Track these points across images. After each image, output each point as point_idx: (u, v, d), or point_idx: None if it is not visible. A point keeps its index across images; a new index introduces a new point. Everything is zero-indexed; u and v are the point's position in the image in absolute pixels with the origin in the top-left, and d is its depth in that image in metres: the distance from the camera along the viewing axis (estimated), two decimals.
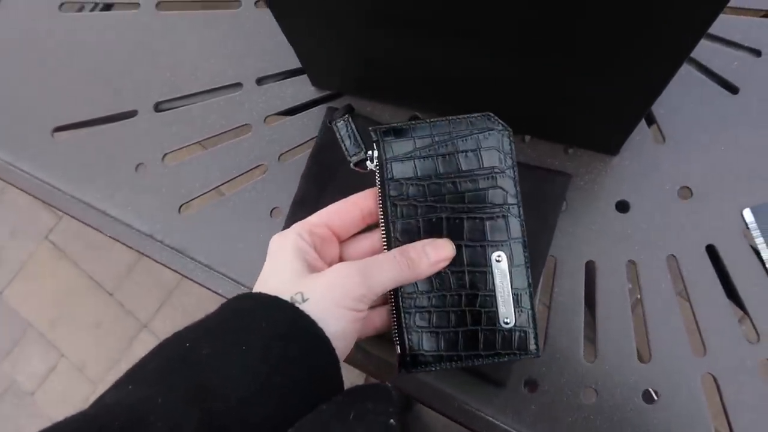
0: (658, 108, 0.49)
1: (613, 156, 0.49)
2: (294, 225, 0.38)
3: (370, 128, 0.39)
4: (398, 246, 0.37)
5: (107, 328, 1.42)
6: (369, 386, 0.35)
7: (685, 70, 0.49)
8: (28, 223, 1.51)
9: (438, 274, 0.37)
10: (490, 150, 0.38)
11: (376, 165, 0.39)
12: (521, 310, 0.37)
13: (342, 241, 0.40)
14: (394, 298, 0.38)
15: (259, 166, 0.54)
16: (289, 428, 0.30)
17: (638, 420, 0.43)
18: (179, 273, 0.52)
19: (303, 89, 0.55)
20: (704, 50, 0.50)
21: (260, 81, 0.57)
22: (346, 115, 0.43)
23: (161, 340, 0.32)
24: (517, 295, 0.37)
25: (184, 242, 0.53)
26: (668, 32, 0.32)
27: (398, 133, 0.38)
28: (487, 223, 0.38)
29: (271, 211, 0.52)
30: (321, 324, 0.33)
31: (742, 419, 0.42)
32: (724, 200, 0.46)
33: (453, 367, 0.38)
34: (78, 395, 1.40)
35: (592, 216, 0.48)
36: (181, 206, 0.54)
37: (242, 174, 0.54)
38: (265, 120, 0.55)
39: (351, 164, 0.41)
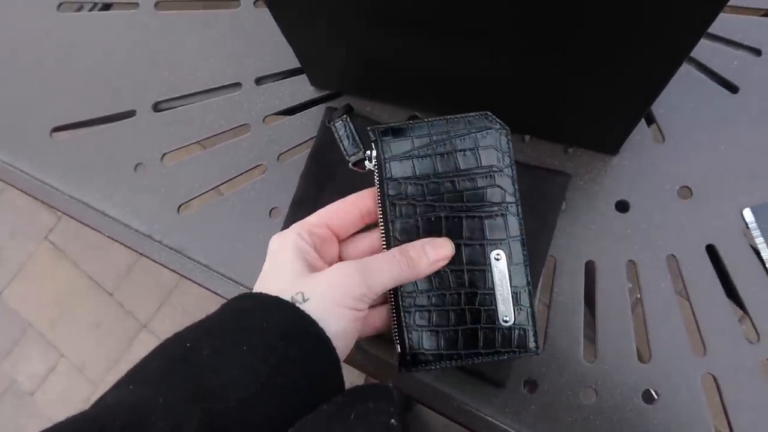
0: (658, 107, 0.49)
1: (613, 156, 0.49)
2: (294, 225, 0.38)
3: (368, 128, 0.39)
4: (397, 245, 0.37)
5: (107, 328, 1.42)
6: (370, 386, 0.35)
7: (685, 69, 0.49)
8: (27, 223, 1.51)
9: (437, 272, 0.37)
10: (488, 149, 0.38)
11: (375, 164, 0.39)
12: (520, 308, 0.37)
13: (341, 241, 0.40)
14: (394, 297, 0.38)
15: (258, 166, 0.54)
16: (290, 428, 0.30)
17: (638, 420, 0.43)
18: (178, 273, 0.52)
19: (302, 89, 0.55)
20: (704, 49, 0.49)
21: (259, 81, 0.57)
22: (345, 115, 0.43)
23: (161, 339, 0.32)
24: (517, 293, 0.37)
25: (182, 242, 0.53)
26: (668, 32, 0.32)
27: (396, 132, 0.38)
28: (486, 221, 0.38)
29: (270, 211, 0.52)
30: (322, 324, 0.33)
31: (742, 419, 0.42)
32: (724, 200, 0.46)
33: (453, 366, 0.38)
34: (78, 395, 1.40)
35: (591, 216, 0.48)
36: (180, 206, 0.54)
37: (241, 174, 0.54)
38: (264, 120, 0.55)
39: (349, 164, 0.41)
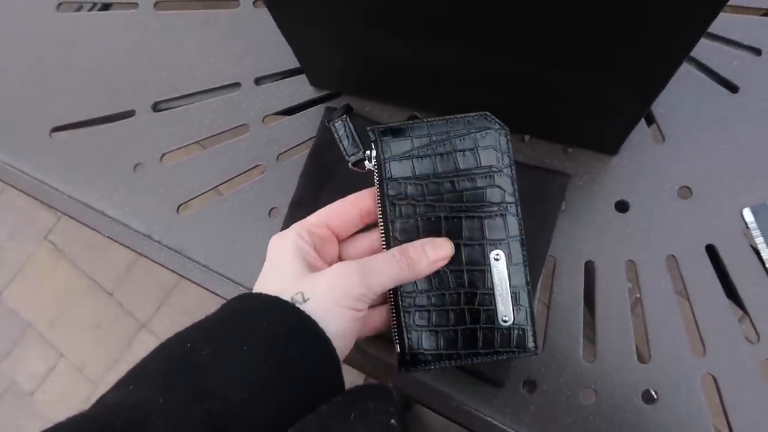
0: (658, 107, 0.49)
1: (613, 156, 0.49)
2: (293, 225, 0.38)
3: (368, 128, 0.39)
4: (397, 245, 0.37)
5: (106, 328, 1.42)
6: (370, 386, 0.35)
7: (685, 69, 0.49)
8: (27, 223, 1.51)
9: (437, 273, 0.37)
10: (488, 149, 0.38)
11: (375, 164, 0.39)
12: (519, 308, 0.37)
13: (341, 241, 0.40)
14: (394, 297, 0.38)
15: (257, 166, 0.54)
16: (290, 429, 0.30)
17: (637, 420, 0.43)
18: (177, 273, 0.52)
19: (301, 89, 0.55)
20: (704, 49, 0.49)
21: (258, 81, 0.57)
22: (344, 115, 0.43)
23: (160, 339, 0.32)
24: (516, 293, 0.37)
25: (182, 242, 0.53)
26: (668, 31, 0.32)
27: (396, 132, 0.38)
28: (486, 221, 0.38)
29: (270, 212, 0.52)
30: (322, 324, 0.33)
31: (741, 419, 0.42)
32: (723, 200, 0.46)
33: (452, 365, 0.38)
34: (77, 395, 1.40)
35: (591, 216, 0.48)
36: (179, 206, 0.54)
37: (240, 174, 0.54)
38: (263, 120, 0.55)
39: (349, 164, 0.41)
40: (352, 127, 0.42)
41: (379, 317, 0.40)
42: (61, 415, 0.27)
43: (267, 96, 0.56)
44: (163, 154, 0.56)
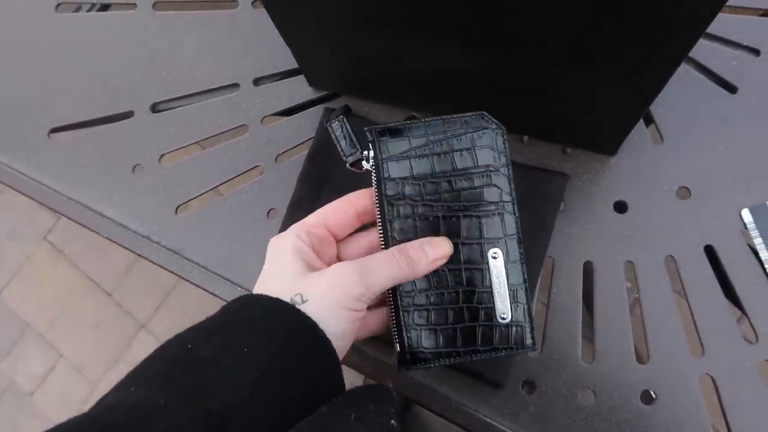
0: (656, 108, 0.49)
1: (611, 156, 0.49)
2: (292, 226, 0.38)
3: (365, 128, 0.39)
4: (396, 245, 0.37)
5: (106, 328, 1.42)
6: (370, 387, 0.35)
7: (684, 69, 0.49)
8: (26, 223, 1.51)
9: (435, 272, 0.37)
10: (485, 148, 0.38)
11: (372, 165, 0.39)
12: (517, 306, 0.38)
13: (339, 241, 0.40)
14: (393, 297, 0.38)
15: (256, 167, 0.54)
16: (290, 430, 0.30)
17: (636, 421, 0.43)
18: (176, 274, 0.52)
19: (300, 90, 0.55)
20: (703, 49, 0.49)
21: (257, 81, 0.56)
22: (341, 116, 0.43)
23: (160, 340, 0.32)
24: (514, 290, 0.38)
25: (180, 243, 0.53)
26: (667, 32, 0.32)
27: (393, 132, 0.38)
28: (483, 220, 0.38)
29: (268, 212, 0.52)
30: (321, 325, 0.33)
31: (740, 420, 0.42)
32: (722, 200, 0.46)
33: (451, 363, 0.38)
34: (77, 396, 1.40)
35: (590, 216, 0.48)
36: (177, 207, 0.54)
37: (239, 175, 0.54)
38: (262, 121, 0.55)
39: (347, 164, 0.41)
40: (349, 127, 0.42)
41: (376, 318, 0.40)
42: (60, 415, 0.27)
43: (266, 97, 0.56)
44: (162, 155, 0.56)
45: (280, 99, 0.55)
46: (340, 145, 0.42)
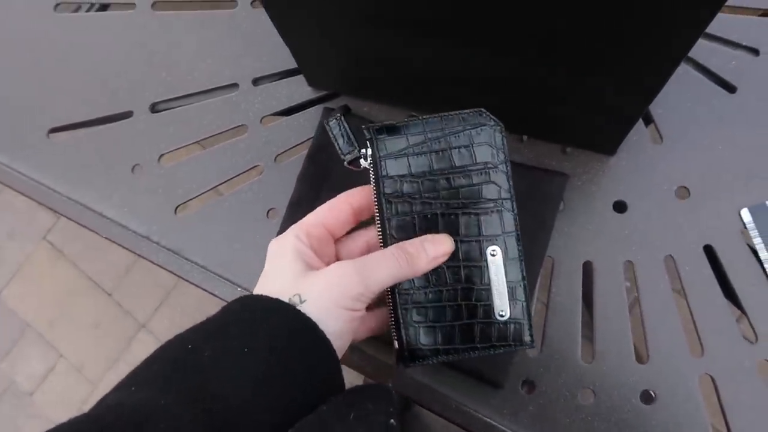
0: (656, 107, 0.49)
1: (611, 156, 0.49)
2: (291, 227, 0.38)
3: (363, 126, 0.39)
4: (394, 243, 0.37)
5: (106, 328, 1.42)
6: (369, 386, 0.35)
7: (683, 69, 0.49)
8: (26, 223, 1.51)
9: (434, 269, 0.37)
10: (483, 145, 0.38)
11: (370, 163, 0.39)
12: (516, 303, 0.38)
13: (337, 240, 0.40)
14: (391, 294, 0.38)
15: (255, 166, 0.54)
16: (290, 429, 0.30)
17: (636, 421, 0.43)
18: (176, 274, 0.52)
19: (299, 89, 0.55)
20: (702, 49, 0.49)
21: (256, 81, 0.56)
22: (339, 114, 0.43)
23: (160, 340, 0.32)
24: (512, 288, 0.38)
25: (180, 243, 0.53)
26: (666, 32, 0.32)
27: (391, 130, 0.38)
28: (482, 218, 0.38)
29: (268, 212, 0.52)
30: (321, 325, 0.33)
31: (739, 420, 0.42)
32: (721, 200, 0.46)
33: (450, 360, 0.38)
34: (77, 395, 1.40)
35: (589, 216, 0.48)
36: (177, 207, 0.54)
37: (238, 175, 0.54)
38: (261, 120, 0.55)
39: (345, 163, 0.41)
40: (346, 126, 0.42)
41: (375, 319, 0.40)
42: (60, 415, 0.27)
43: (265, 96, 0.56)
44: (162, 155, 0.56)
45: (280, 99, 0.55)
46: (338, 144, 0.42)
